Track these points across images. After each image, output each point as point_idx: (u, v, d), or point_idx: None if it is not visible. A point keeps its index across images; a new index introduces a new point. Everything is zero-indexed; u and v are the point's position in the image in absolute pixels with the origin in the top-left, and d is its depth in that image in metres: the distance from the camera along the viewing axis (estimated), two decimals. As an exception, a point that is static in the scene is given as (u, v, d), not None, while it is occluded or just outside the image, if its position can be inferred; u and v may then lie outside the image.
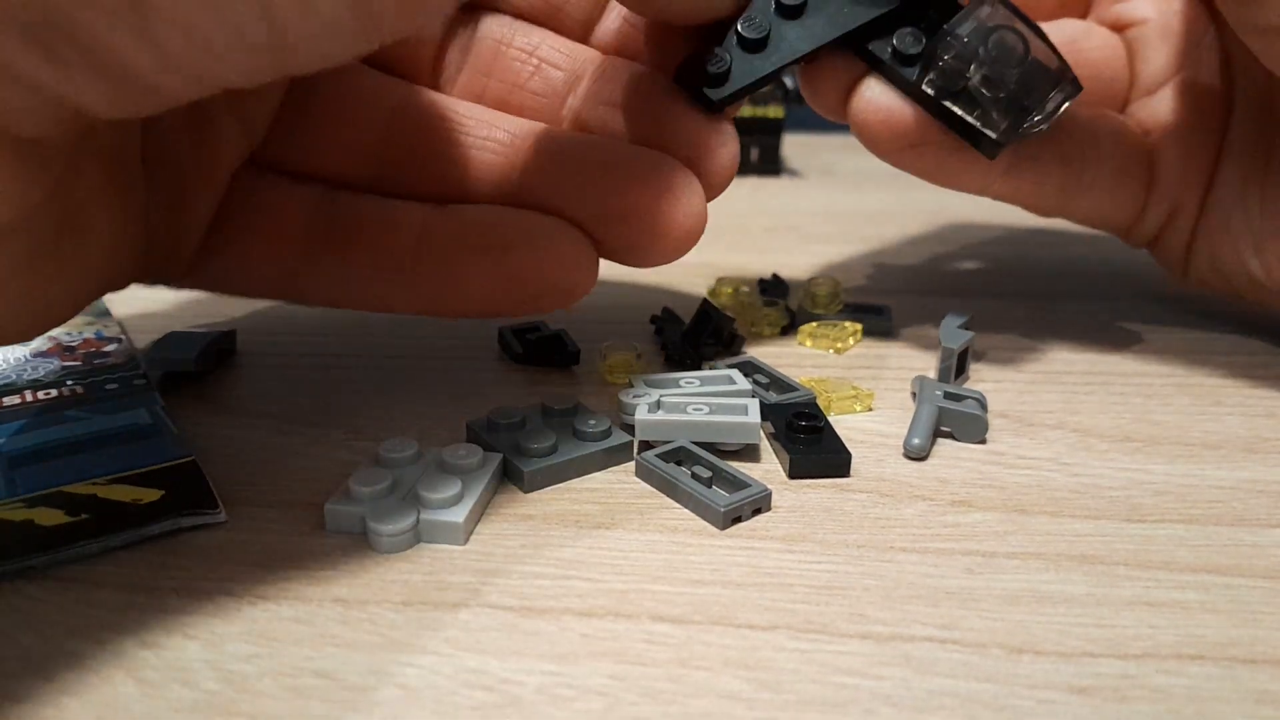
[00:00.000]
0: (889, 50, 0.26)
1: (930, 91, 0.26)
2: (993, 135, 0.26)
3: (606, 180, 0.25)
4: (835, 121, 0.29)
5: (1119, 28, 0.32)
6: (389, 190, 0.27)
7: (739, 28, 0.25)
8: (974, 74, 0.26)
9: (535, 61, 0.27)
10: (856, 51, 0.27)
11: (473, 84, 0.27)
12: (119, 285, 0.24)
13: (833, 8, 0.26)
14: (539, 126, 0.26)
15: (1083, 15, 0.33)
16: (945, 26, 0.25)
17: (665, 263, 0.25)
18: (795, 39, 0.25)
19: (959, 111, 0.26)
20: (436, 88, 0.27)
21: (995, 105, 0.26)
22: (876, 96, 0.27)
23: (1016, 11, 0.26)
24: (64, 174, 0.18)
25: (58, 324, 0.21)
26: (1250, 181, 0.30)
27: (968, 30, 0.25)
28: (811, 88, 0.28)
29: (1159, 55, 0.32)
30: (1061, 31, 0.31)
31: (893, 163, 0.28)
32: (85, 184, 0.20)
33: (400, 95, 0.26)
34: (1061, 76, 0.26)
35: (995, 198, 0.30)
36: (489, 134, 0.26)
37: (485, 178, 0.26)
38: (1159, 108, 0.32)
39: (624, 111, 0.26)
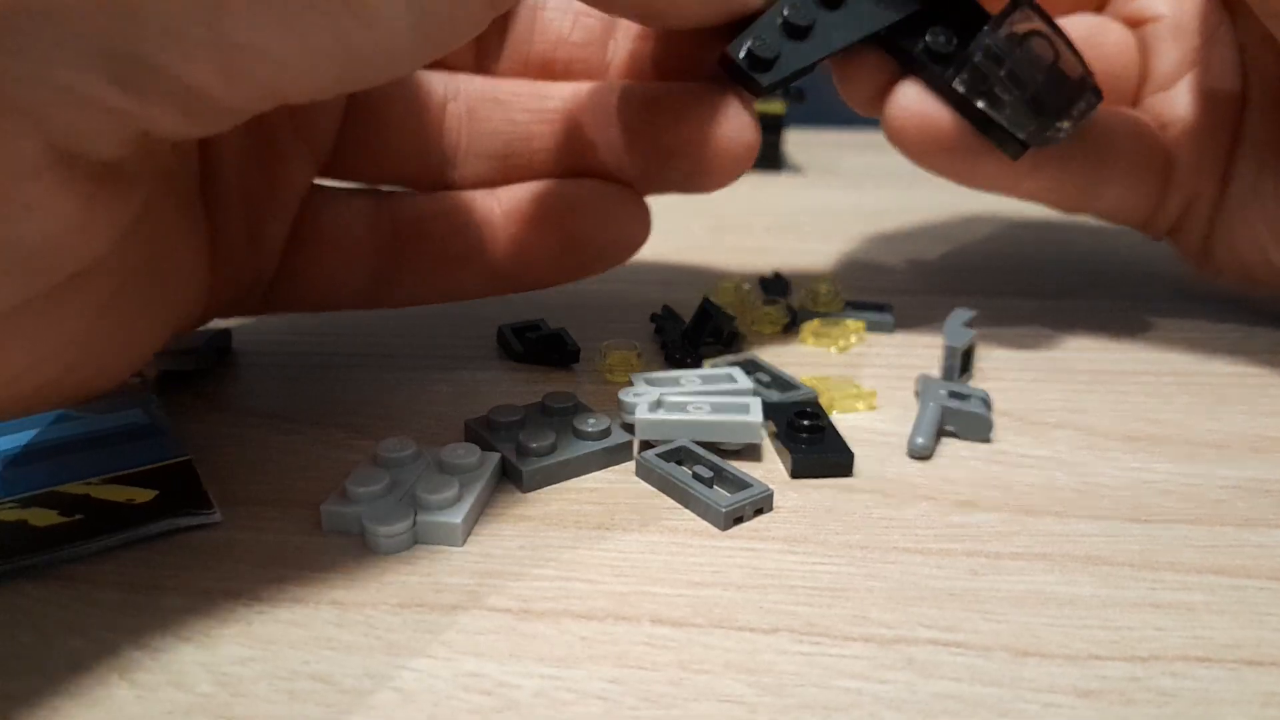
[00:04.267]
0: (921, 47, 0.27)
1: (961, 89, 0.27)
2: (1020, 136, 0.27)
3: (656, 119, 0.26)
4: (868, 117, 0.29)
5: (1134, 23, 0.33)
6: (453, 184, 0.28)
7: (785, 14, 0.26)
8: (1005, 76, 0.26)
9: (572, 14, 0.28)
10: (890, 47, 0.28)
11: (517, 53, 0.28)
12: (195, 322, 0.25)
13: (869, 3, 0.27)
14: (584, 86, 0.27)
15: (1099, 9, 0.33)
16: (985, 28, 0.26)
17: (725, 186, 0.27)
18: (836, 30, 0.26)
19: (988, 111, 0.27)
20: (480, 69, 0.28)
21: (1023, 108, 0.27)
22: (912, 101, 0.27)
23: (1048, 20, 0.27)
24: (142, 209, 0.19)
25: (139, 366, 0.22)
26: (1266, 171, 0.31)
27: (1003, 34, 0.26)
28: (847, 85, 0.29)
29: (1172, 51, 0.32)
30: (1077, 27, 0.31)
31: (923, 165, 0.29)
32: (160, 220, 0.20)
33: (449, 89, 0.27)
34: (1085, 85, 0.27)
35: (1021, 197, 0.31)
36: (540, 105, 0.27)
37: (545, 148, 0.27)
38: (1173, 103, 0.32)
39: (667, 46, 0.27)
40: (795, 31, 0.26)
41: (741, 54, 0.25)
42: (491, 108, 0.27)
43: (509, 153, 0.28)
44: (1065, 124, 0.27)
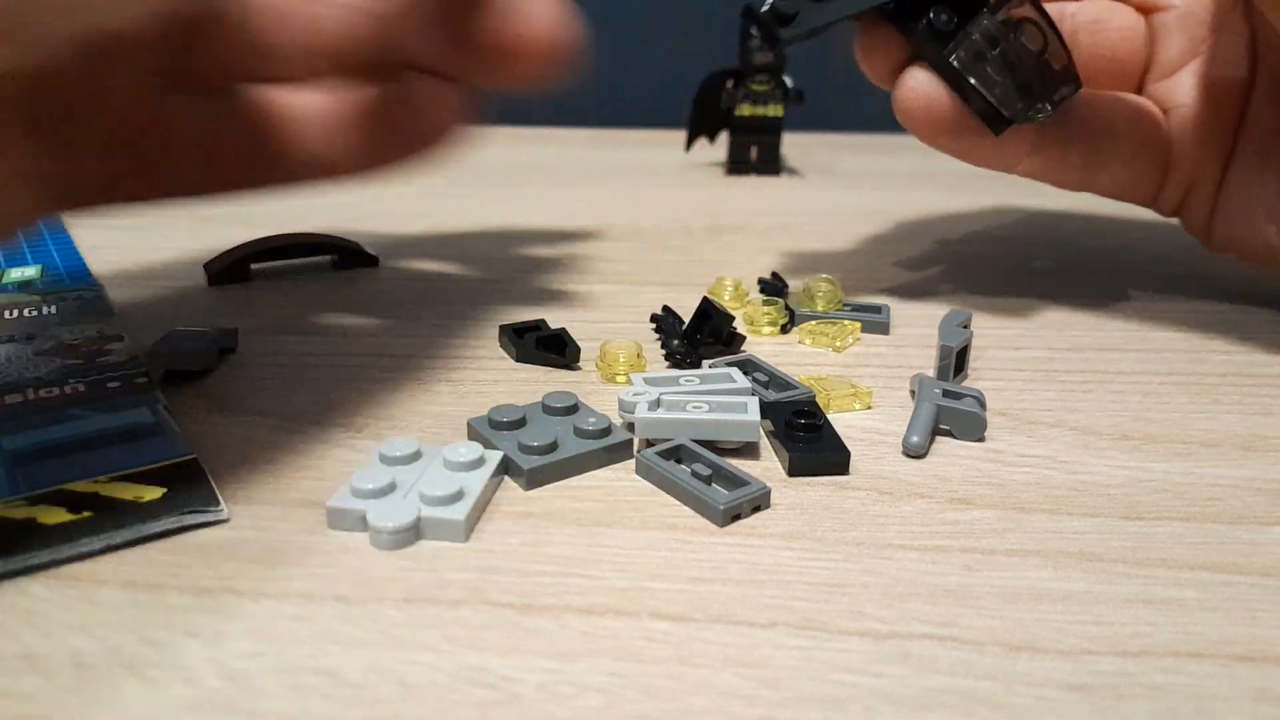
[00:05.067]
0: (924, 23, 0.30)
1: (956, 65, 0.29)
2: (1006, 114, 0.30)
3: (470, 12, 0.27)
4: (884, 89, 0.31)
5: (1147, 10, 0.34)
6: (273, 78, 0.28)
7: None
8: (998, 57, 0.29)
9: None
10: (896, 21, 0.30)
11: None
12: (26, 223, 0.25)
13: None
14: None
15: None
16: (984, 11, 0.29)
17: (539, 79, 0.27)
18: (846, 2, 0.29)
19: (979, 88, 0.30)
20: None
21: (1012, 88, 0.30)
22: (920, 84, 0.30)
23: (1041, 10, 0.30)
24: None
25: None
26: (1270, 157, 0.32)
27: (999, 18, 0.29)
28: (866, 60, 0.31)
29: (1178, 41, 0.34)
30: (1088, 10, 0.33)
31: (928, 143, 0.31)
32: None
33: None
34: (1068, 74, 0.30)
35: (1022, 174, 0.33)
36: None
37: (356, 41, 0.28)
38: (1176, 89, 0.34)
39: None
40: None
41: (765, 7, 0.29)
42: (298, 5, 0.28)
43: (319, 47, 0.28)
44: (1047, 107, 0.30)
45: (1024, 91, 0.30)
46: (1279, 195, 0.32)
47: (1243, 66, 0.33)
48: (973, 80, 0.29)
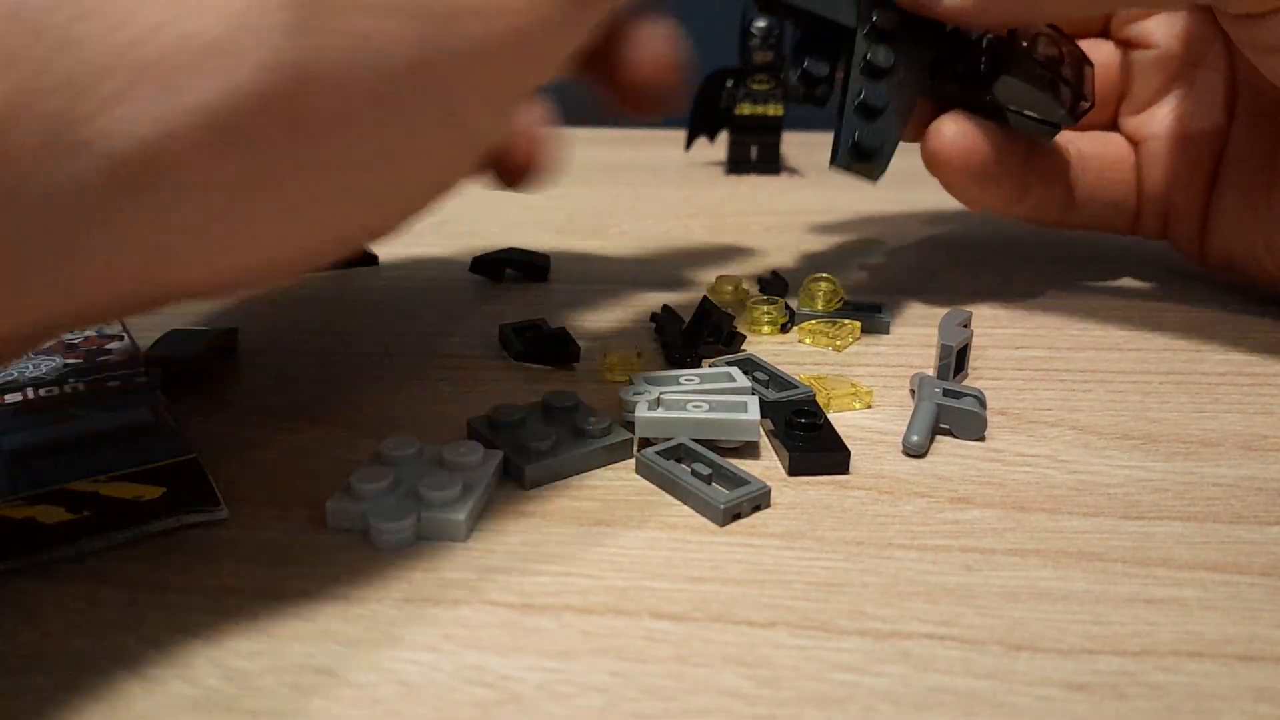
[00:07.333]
0: (953, 78, 0.32)
1: (999, 99, 0.32)
2: (1054, 121, 0.33)
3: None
4: (915, 143, 0.34)
5: (1130, 45, 0.36)
6: None
7: (863, 99, 0.31)
8: (1031, 79, 0.32)
9: None
10: (936, 85, 0.32)
11: None
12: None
13: (908, 64, 0.31)
14: None
15: (1103, 29, 0.37)
16: (1017, 48, 0.32)
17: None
18: (899, 100, 0.31)
19: (1023, 111, 0.33)
20: None
21: (1051, 99, 0.32)
22: (953, 137, 0.32)
23: (1053, 27, 0.33)
24: None
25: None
26: (1257, 183, 0.34)
27: (1017, 45, 0.32)
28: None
29: (1156, 78, 0.36)
30: None
31: (949, 186, 0.34)
32: None
33: None
34: (1084, 60, 0.34)
35: (1014, 216, 0.36)
36: None
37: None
38: (1150, 121, 0.36)
39: None
40: (872, 113, 0.31)
41: (850, 145, 0.31)
42: None
43: None
44: (1084, 104, 0.33)
45: (1058, 95, 0.33)
46: (1269, 220, 0.33)
47: (1221, 100, 0.35)
48: (1014, 108, 0.32)
